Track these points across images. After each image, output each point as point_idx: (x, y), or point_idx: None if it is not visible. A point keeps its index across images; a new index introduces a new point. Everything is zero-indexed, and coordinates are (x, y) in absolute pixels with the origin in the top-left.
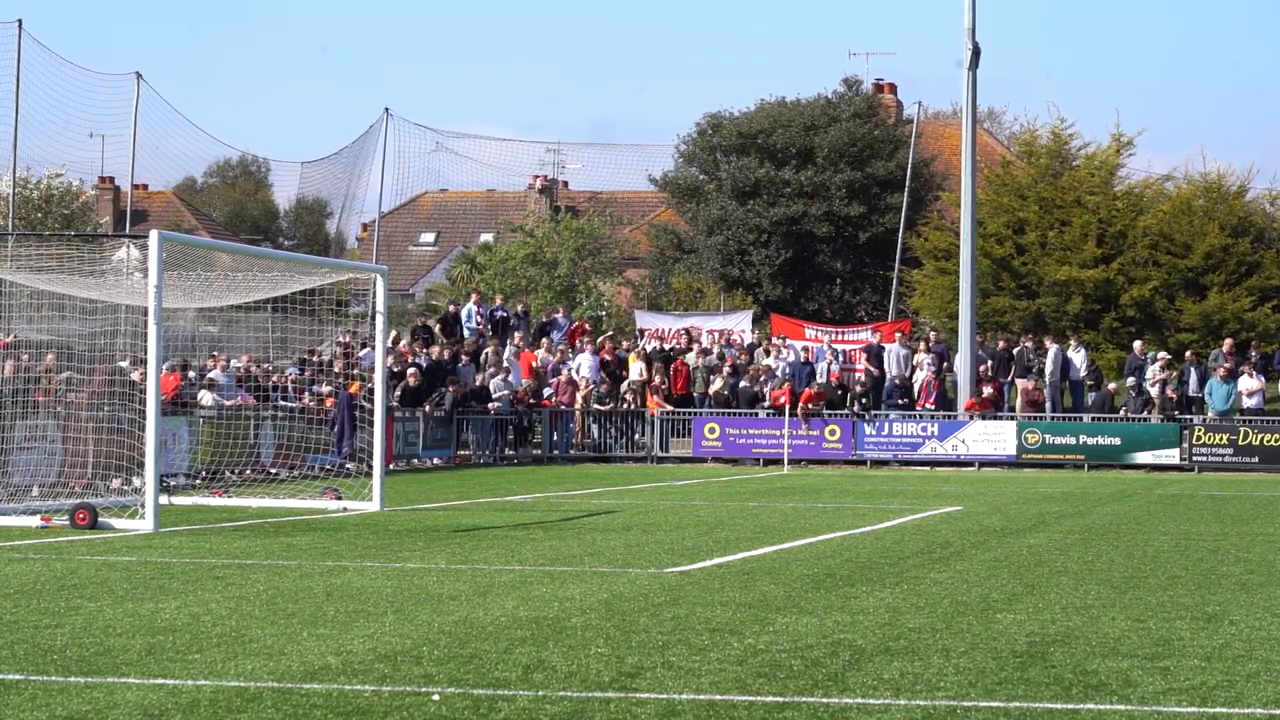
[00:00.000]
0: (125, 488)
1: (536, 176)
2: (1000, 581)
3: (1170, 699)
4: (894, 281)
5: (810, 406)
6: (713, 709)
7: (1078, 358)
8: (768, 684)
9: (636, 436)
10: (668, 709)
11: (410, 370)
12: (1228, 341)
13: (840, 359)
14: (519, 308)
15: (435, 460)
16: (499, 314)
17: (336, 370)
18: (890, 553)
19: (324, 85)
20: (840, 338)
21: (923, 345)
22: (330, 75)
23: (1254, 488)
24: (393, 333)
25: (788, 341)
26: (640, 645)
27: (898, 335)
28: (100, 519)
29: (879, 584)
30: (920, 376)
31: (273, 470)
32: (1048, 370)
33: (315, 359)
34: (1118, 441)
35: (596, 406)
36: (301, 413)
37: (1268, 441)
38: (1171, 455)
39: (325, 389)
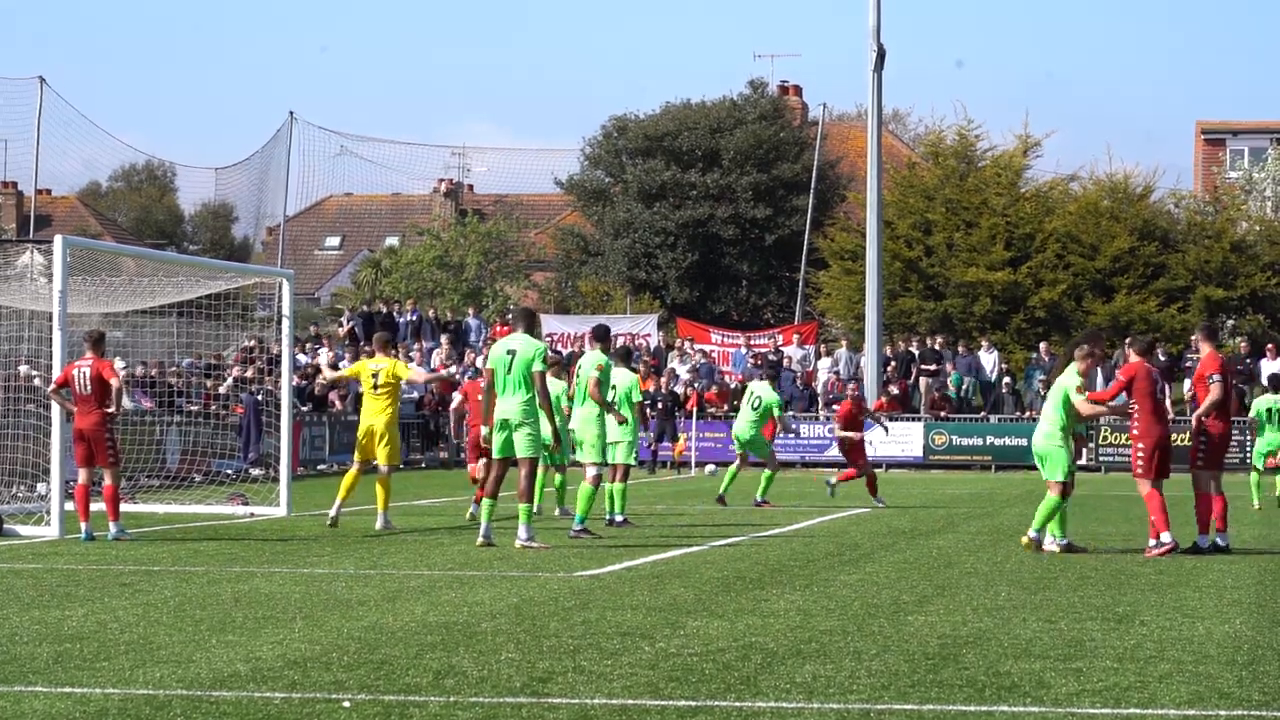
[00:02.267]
0: (30, 494)
1: (442, 180)
2: (911, 583)
3: (1084, 700)
4: (800, 284)
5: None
6: (625, 713)
7: (989, 360)
8: (679, 688)
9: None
10: (580, 714)
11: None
12: (1128, 342)
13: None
14: (430, 311)
15: (343, 465)
16: (408, 318)
17: (243, 375)
18: (800, 555)
19: (228, 90)
20: (747, 341)
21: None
22: (234, 80)
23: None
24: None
25: (695, 345)
26: (551, 650)
27: (795, 337)
28: (5, 526)
29: (789, 586)
30: (825, 379)
31: (179, 476)
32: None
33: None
34: (1024, 442)
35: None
36: (207, 417)
37: (1173, 442)
38: (1079, 456)
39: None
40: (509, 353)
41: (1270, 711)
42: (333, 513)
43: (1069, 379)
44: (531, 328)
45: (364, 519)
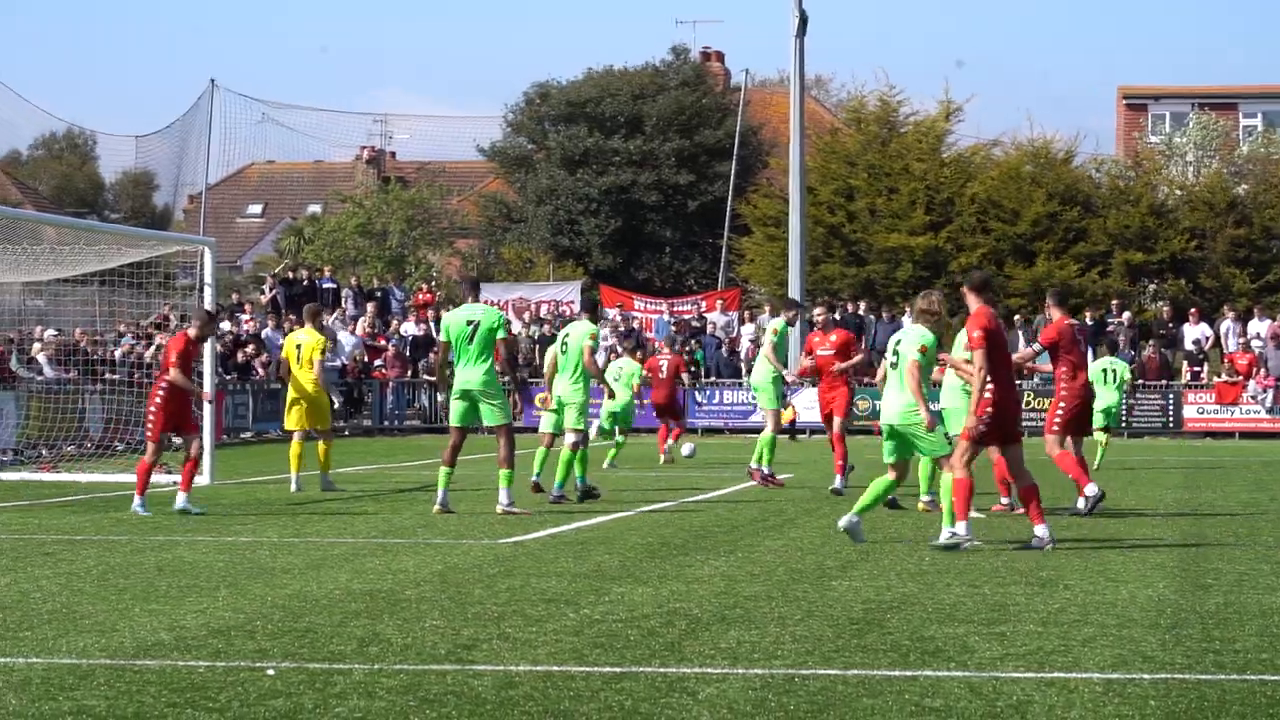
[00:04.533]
0: None
1: (364, 147)
2: (835, 549)
3: (1007, 664)
4: (723, 250)
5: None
6: (550, 680)
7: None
8: (604, 654)
9: None
10: (504, 680)
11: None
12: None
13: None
14: (352, 279)
15: (265, 433)
16: (324, 285)
17: (163, 343)
18: (724, 521)
19: (149, 57)
20: (670, 307)
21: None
22: (155, 47)
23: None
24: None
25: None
26: (476, 617)
27: (719, 303)
28: None
29: (714, 553)
30: (746, 346)
31: (101, 445)
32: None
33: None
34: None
35: (427, 377)
36: (130, 386)
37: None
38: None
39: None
40: (469, 323)
41: (1193, 674)
42: (293, 487)
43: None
44: (479, 295)
45: (287, 488)
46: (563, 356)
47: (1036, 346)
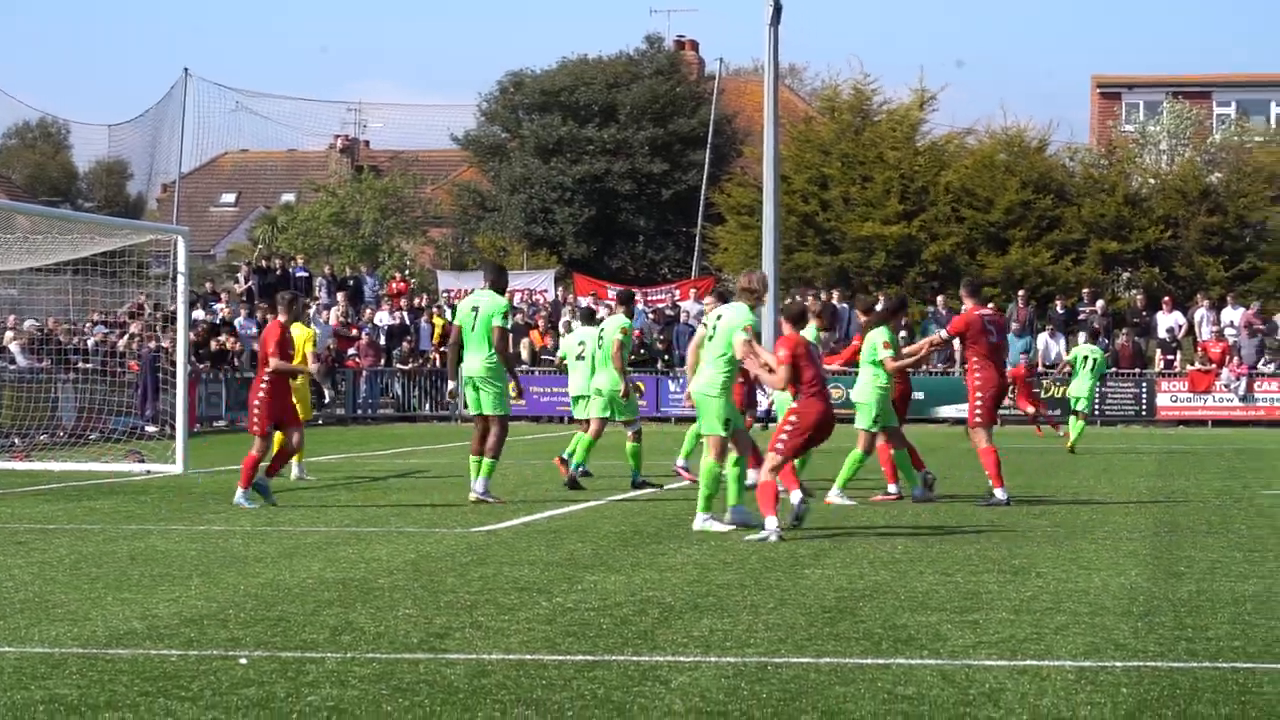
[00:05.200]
0: None
1: (338, 136)
2: (807, 537)
3: (980, 652)
4: (697, 239)
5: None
6: (522, 668)
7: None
8: (577, 643)
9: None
10: (477, 669)
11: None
12: (1020, 294)
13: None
14: (325, 268)
15: (239, 421)
16: (298, 274)
17: (137, 332)
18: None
19: (122, 46)
20: (644, 296)
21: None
22: (129, 37)
23: (1057, 439)
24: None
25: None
26: (448, 605)
27: (692, 292)
28: None
29: (687, 541)
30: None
31: (74, 434)
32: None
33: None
34: (921, 395)
35: (400, 366)
36: (104, 375)
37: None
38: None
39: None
40: (473, 309)
41: (1166, 662)
42: (295, 473)
43: (877, 335)
44: (498, 282)
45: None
46: (599, 350)
47: (943, 334)
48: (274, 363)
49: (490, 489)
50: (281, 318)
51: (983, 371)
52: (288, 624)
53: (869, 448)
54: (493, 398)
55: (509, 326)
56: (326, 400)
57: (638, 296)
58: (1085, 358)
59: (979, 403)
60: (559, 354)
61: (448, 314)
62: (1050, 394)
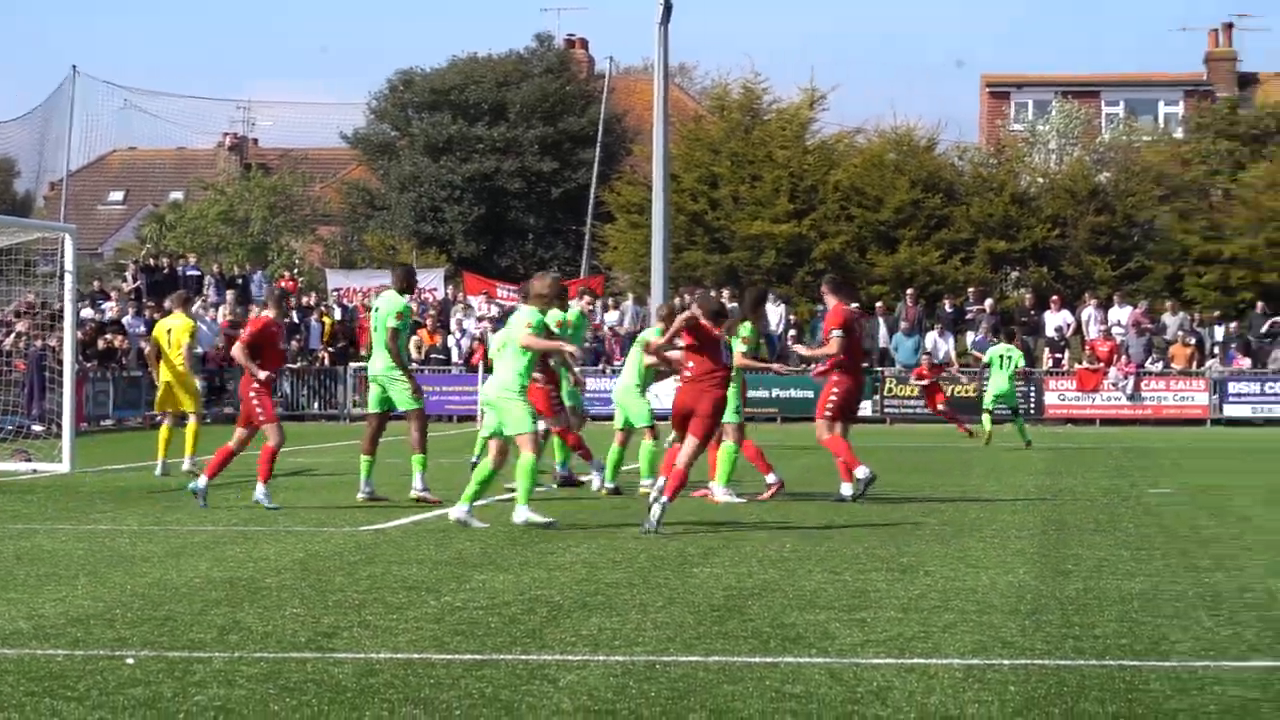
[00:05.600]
0: None
1: (227, 134)
2: (696, 535)
3: (868, 650)
4: (587, 237)
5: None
6: (410, 667)
7: (775, 313)
8: (465, 641)
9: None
10: (365, 668)
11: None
12: (909, 293)
13: None
14: (214, 266)
15: (124, 420)
16: (188, 272)
17: (23, 330)
18: (586, 508)
19: (8, 44)
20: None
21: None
22: (15, 34)
23: (946, 438)
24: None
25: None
26: (336, 605)
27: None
28: None
29: (575, 540)
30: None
31: None
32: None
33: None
34: (811, 395)
35: (289, 365)
36: None
37: (958, 393)
38: (863, 408)
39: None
40: (375, 310)
41: (1053, 660)
42: (157, 472)
43: (646, 333)
44: (402, 284)
45: (148, 476)
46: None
47: (837, 333)
48: (236, 348)
49: (427, 485)
50: (271, 313)
51: (842, 370)
52: (175, 623)
53: (737, 438)
54: (403, 394)
55: (402, 327)
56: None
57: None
58: (1003, 357)
59: (833, 398)
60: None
61: (337, 312)
62: (963, 393)
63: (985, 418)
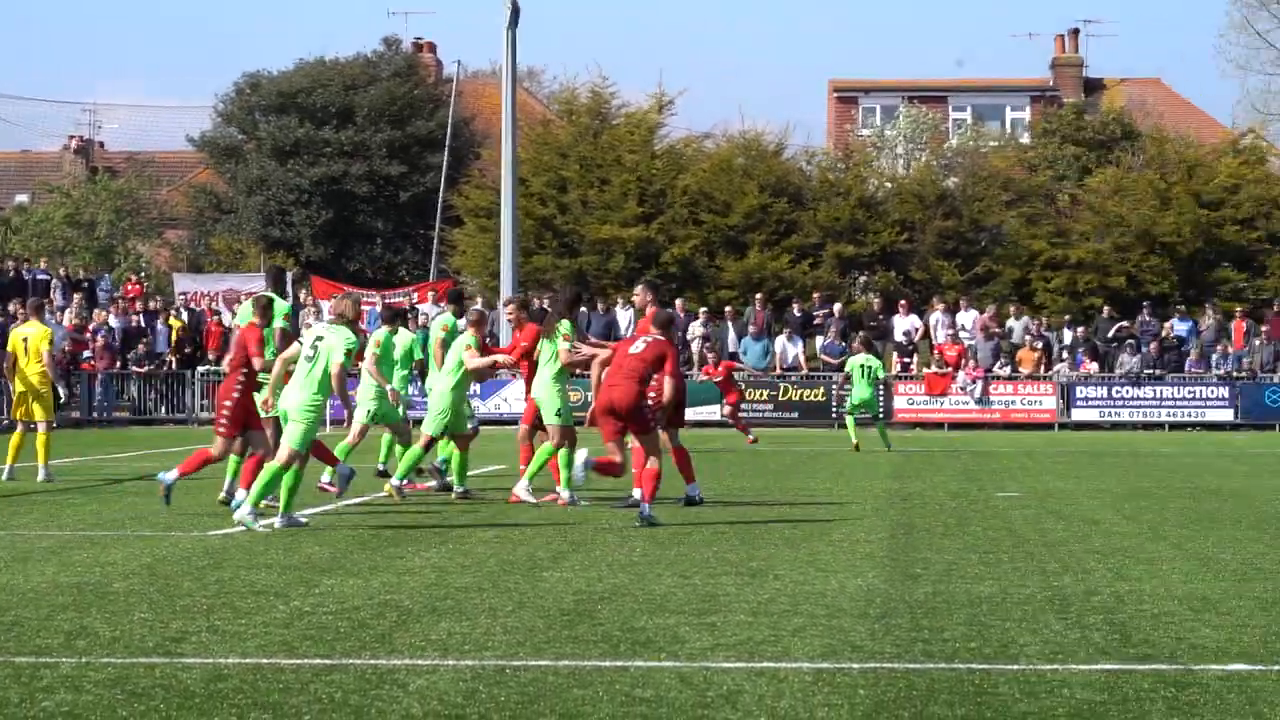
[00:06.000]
0: None
1: (72, 137)
2: (546, 539)
3: (718, 654)
4: (435, 241)
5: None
6: (259, 672)
7: (625, 316)
8: (314, 646)
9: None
10: (213, 673)
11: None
12: (758, 298)
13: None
14: (61, 269)
15: None
16: (36, 276)
17: None
18: (435, 513)
19: None
20: (383, 299)
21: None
22: None
23: (794, 442)
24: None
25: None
26: (185, 609)
27: (430, 294)
28: None
29: (425, 544)
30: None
31: None
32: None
33: None
34: None
35: (135, 369)
36: None
37: (806, 397)
38: (712, 411)
39: None
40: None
41: (902, 664)
42: (4, 475)
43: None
44: (279, 285)
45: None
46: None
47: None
48: (258, 363)
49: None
50: (256, 320)
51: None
52: (21, 629)
53: (561, 441)
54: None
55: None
56: (62, 401)
57: (376, 299)
58: (863, 366)
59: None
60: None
61: (184, 316)
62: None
63: (849, 420)
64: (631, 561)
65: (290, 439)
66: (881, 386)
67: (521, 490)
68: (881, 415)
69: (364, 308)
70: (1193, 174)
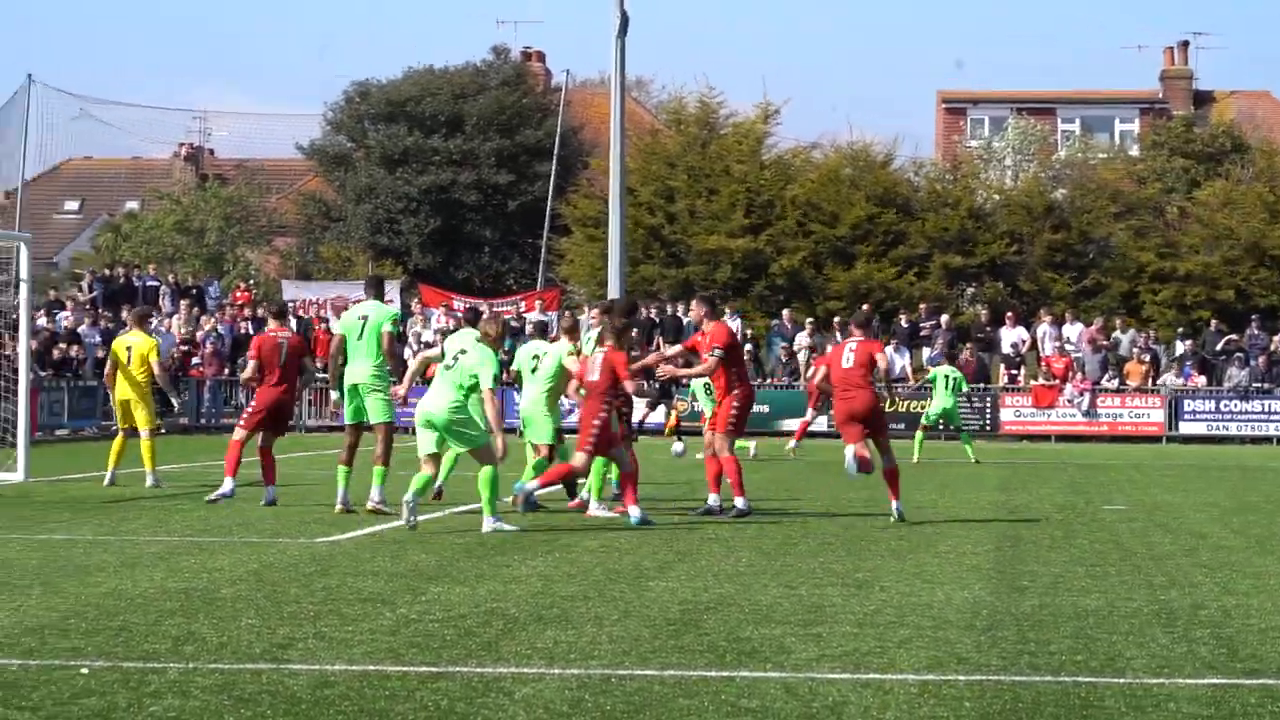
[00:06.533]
0: None
1: (182, 144)
2: (652, 549)
3: (823, 665)
4: (543, 250)
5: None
6: (365, 679)
7: (732, 327)
8: (420, 653)
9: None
10: (319, 680)
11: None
12: (864, 309)
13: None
14: (170, 276)
15: (80, 430)
16: (146, 283)
17: None
18: (542, 521)
19: None
20: (490, 307)
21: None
22: None
23: (902, 454)
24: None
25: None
26: (291, 616)
27: (538, 304)
28: None
29: (531, 552)
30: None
31: None
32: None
33: None
34: (765, 409)
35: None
36: None
37: (913, 408)
38: (819, 423)
39: None
40: (361, 318)
41: (1008, 676)
42: (106, 480)
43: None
44: (380, 292)
45: (102, 485)
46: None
47: (719, 352)
48: (631, 386)
49: (385, 497)
50: (613, 342)
51: (741, 384)
52: (130, 634)
53: (552, 455)
54: (380, 405)
55: (398, 333)
56: (175, 409)
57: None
58: (946, 377)
59: (734, 413)
60: (513, 367)
61: (292, 323)
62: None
63: (918, 434)
64: (737, 571)
65: (470, 445)
66: (975, 398)
67: (595, 509)
68: (964, 427)
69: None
70: None
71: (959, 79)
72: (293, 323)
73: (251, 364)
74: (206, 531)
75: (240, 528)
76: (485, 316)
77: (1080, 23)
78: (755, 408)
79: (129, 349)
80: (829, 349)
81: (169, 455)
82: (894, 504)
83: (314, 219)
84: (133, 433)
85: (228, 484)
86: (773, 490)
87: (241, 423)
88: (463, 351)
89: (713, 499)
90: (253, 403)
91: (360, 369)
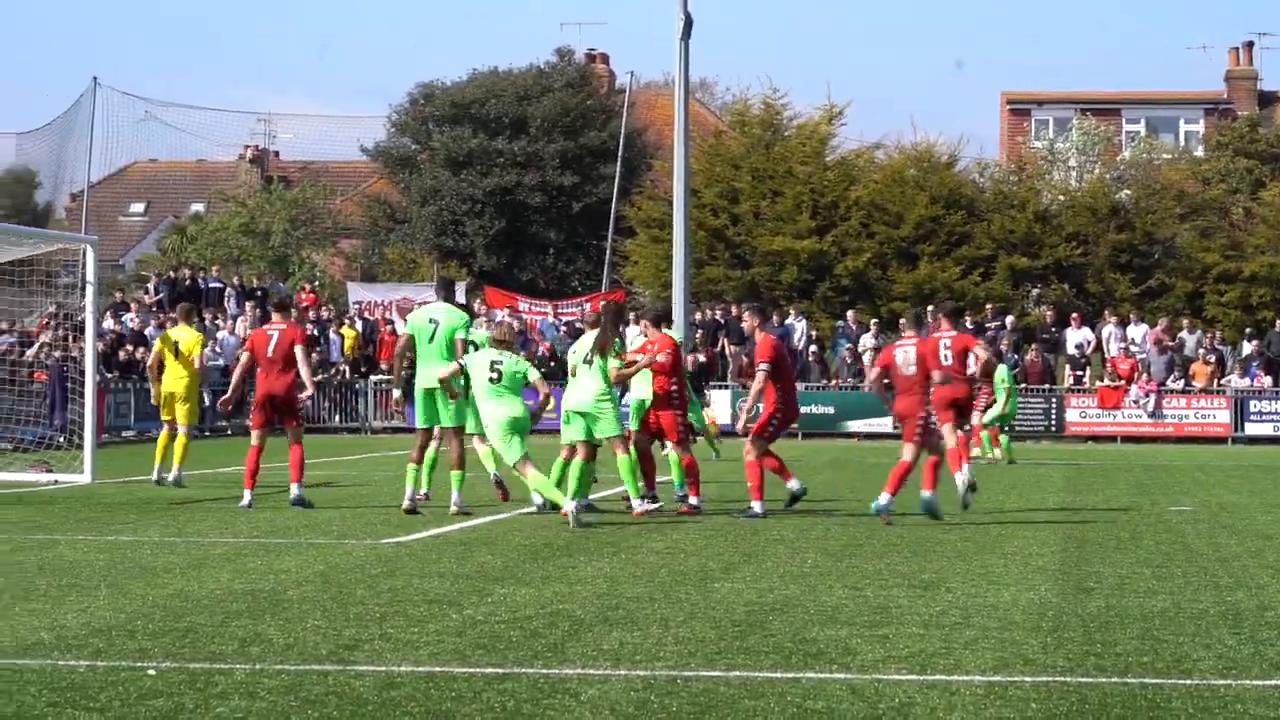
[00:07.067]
0: None
1: (247, 146)
2: (717, 550)
3: (889, 667)
4: (607, 252)
5: None
6: (432, 680)
7: (797, 328)
8: (487, 655)
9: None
10: (386, 681)
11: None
12: (929, 310)
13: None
14: (235, 278)
15: (146, 431)
16: (211, 284)
17: (46, 341)
18: (607, 522)
19: (30, 54)
20: (555, 309)
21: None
22: (36, 45)
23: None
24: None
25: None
26: (358, 617)
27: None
28: None
29: (596, 554)
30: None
31: None
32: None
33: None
34: (831, 410)
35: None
36: (12, 384)
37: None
38: (884, 424)
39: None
40: (432, 321)
41: (1075, 677)
42: (154, 477)
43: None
44: (452, 295)
45: (169, 487)
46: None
47: (765, 367)
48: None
49: (463, 500)
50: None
51: (786, 403)
52: (196, 635)
53: (628, 448)
54: (449, 409)
55: (469, 340)
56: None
57: (548, 309)
58: (1002, 380)
59: (774, 422)
60: (571, 363)
61: (358, 325)
62: None
63: (1004, 440)
64: (803, 573)
65: (510, 452)
66: (1040, 396)
67: (639, 506)
68: (1011, 429)
69: (534, 317)
70: None
71: (1024, 79)
72: (294, 314)
73: (245, 355)
74: (273, 533)
75: (306, 529)
76: (498, 321)
77: (1145, 23)
78: (820, 409)
79: (176, 344)
80: (907, 345)
81: (236, 456)
82: (925, 493)
83: (379, 221)
84: (174, 427)
85: (246, 496)
86: (840, 490)
87: (250, 422)
88: (496, 362)
89: (793, 484)
90: (252, 395)
91: (433, 373)
